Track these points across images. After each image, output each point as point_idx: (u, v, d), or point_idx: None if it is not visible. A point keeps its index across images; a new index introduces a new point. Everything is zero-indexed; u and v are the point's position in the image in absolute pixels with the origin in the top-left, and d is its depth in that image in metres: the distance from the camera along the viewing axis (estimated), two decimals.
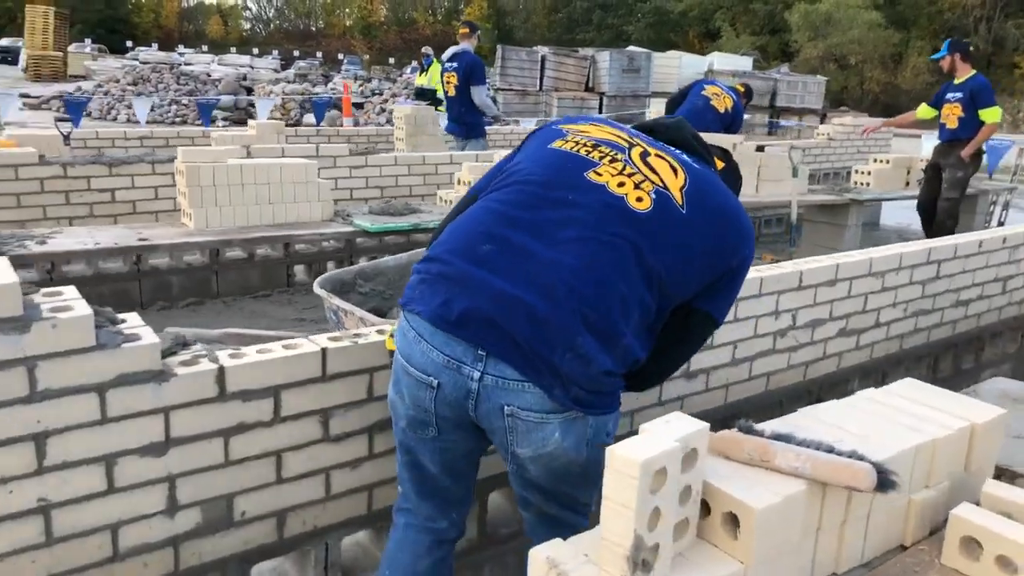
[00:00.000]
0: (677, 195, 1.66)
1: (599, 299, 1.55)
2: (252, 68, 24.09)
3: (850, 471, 1.37)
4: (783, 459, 1.41)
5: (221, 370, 1.72)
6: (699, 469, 1.35)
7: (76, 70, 24.17)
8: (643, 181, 1.66)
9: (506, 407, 1.56)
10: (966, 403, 1.80)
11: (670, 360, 1.79)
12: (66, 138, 5.81)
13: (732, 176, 2.00)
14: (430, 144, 7.49)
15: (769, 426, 1.59)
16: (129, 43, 27.58)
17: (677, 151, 1.76)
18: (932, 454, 1.61)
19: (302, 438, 1.87)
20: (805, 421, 1.67)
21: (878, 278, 3.30)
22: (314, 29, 56.12)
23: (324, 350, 1.86)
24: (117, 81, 19.09)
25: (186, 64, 22.62)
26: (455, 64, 6.94)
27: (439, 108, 8.03)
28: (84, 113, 9.67)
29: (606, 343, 1.55)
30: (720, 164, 1.98)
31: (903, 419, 1.69)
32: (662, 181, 1.66)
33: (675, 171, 1.71)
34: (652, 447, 1.25)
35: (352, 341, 1.91)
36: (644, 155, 1.71)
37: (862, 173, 7.26)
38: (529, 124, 8.88)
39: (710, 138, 5.63)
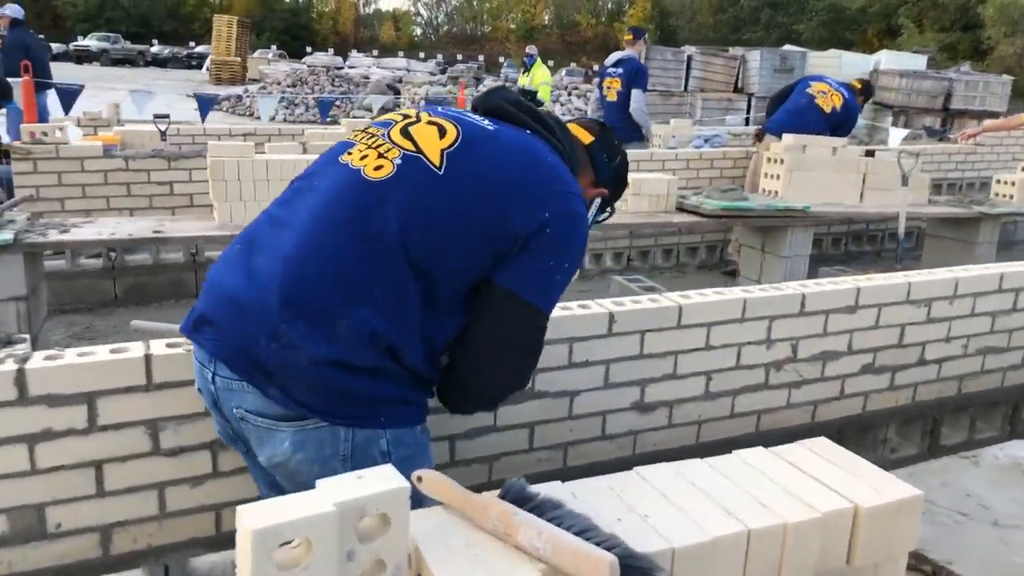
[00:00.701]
0: (434, 157, 1.47)
1: (311, 279, 1.38)
2: (408, 71, 24.94)
3: (589, 561, 1.06)
4: (525, 535, 1.12)
5: (21, 372, 1.63)
6: (397, 539, 1.08)
7: (253, 74, 26.09)
8: (390, 150, 1.48)
9: (235, 409, 1.43)
10: (876, 477, 1.40)
11: (475, 353, 1.50)
12: (163, 134, 6.16)
13: (605, 153, 1.76)
14: None
15: (551, 488, 1.29)
16: (309, 49, 29.39)
17: (475, 117, 1.58)
18: (781, 541, 1.25)
19: (126, 450, 1.76)
20: (623, 484, 1.35)
21: (920, 307, 2.76)
22: (479, 33, 57.54)
23: (148, 356, 1.74)
24: (279, 83, 20.40)
25: (349, 67, 23.82)
26: (619, 70, 6.80)
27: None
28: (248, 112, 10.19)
29: (321, 326, 1.36)
30: (587, 137, 1.76)
31: (764, 492, 1.33)
32: (416, 146, 1.48)
33: (443, 133, 1.51)
34: (290, 510, 1.01)
35: (186, 349, 1.78)
36: (409, 126, 1.53)
37: (1004, 184, 6.30)
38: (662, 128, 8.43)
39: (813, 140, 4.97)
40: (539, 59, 9.12)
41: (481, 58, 28.78)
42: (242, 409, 1.42)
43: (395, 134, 1.51)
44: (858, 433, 2.90)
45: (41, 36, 12.70)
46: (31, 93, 8.30)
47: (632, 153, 6.06)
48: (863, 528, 1.29)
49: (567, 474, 2.16)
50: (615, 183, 1.83)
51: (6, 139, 5.95)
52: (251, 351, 1.37)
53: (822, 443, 1.52)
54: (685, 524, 1.21)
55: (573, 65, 28.05)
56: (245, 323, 1.38)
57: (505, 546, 1.13)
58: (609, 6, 56.32)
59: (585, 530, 1.11)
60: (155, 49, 37.39)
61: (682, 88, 19.08)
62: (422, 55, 31.58)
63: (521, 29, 52.91)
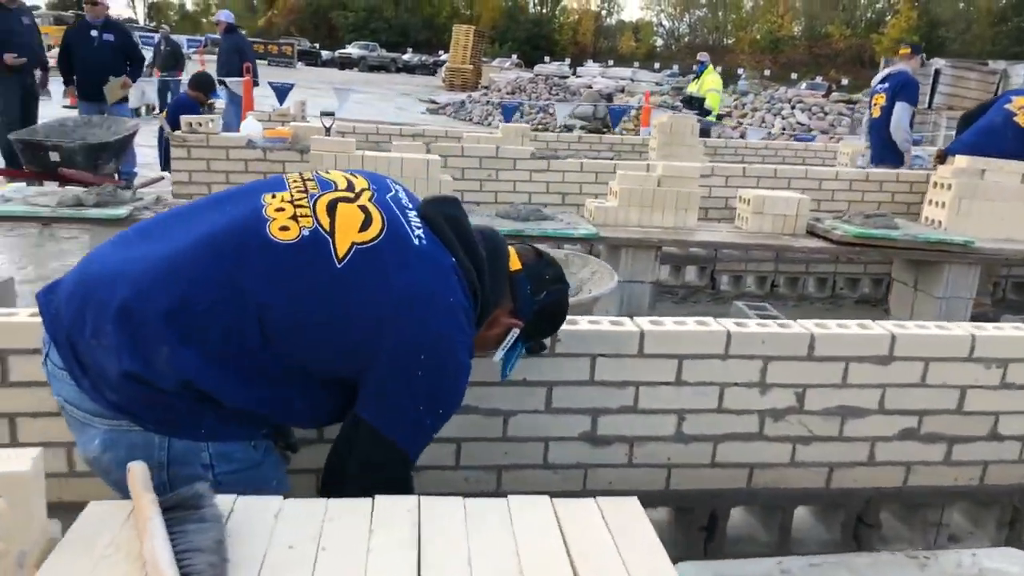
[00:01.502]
0: (342, 247, 1.40)
1: (159, 297, 1.34)
2: (632, 80, 24.83)
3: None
4: (146, 545, 1.05)
5: None
6: (19, 526, 1.06)
7: (485, 81, 27.42)
8: (305, 217, 1.43)
9: (57, 396, 1.45)
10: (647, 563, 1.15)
11: (330, 468, 1.49)
12: (327, 130, 6.63)
13: (530, 285, 1.66)
14: (687, 155, 6.95)
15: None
16: (546, 58, 30.28)
17: (414, 220, 1.53)
18: None
19: (36, 408, 1.90)
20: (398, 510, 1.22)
21: (993, 367, 2.23)
22: (722, 44, 55.85)
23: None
24: (499, 90, 21.26)
25: (575, 76, 24.24)
26: (886, 84, 6.44)
27: (708, 118, 7.44)
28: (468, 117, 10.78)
29: (143, 345, 1.33)
30: (516, 264, 1.66)
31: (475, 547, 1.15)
32: (331, 227, 1.42)
33: (366, 224, 1.45)
34: None
35: None
36: (339, 201, 1.47)
37: None
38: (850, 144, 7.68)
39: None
40: (710, 66, 8.66)
41: (719, 69, 27.93)
42: (61, 397, 1.43)
43: (320, 204, 1.47)
44: (904, 510, 2.42)
45: (257, 40, 14.23)
46: (250, 90, 9.38)
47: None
48: None
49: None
50: (539, 318, 1.70)
51: (167, 128, 6.67)
52: (75, 341, 1.37)
53: (627, 504, 1.27)
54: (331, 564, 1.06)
55: (818, 79, 26.26)
56: (83, 309, 1.37)
57: (137, 553, 1.07)
58: (869, 15, 52.25)
59: (192, 551, 1.01)
60: (406, 57, 40.51)
61: (926, 105, 17.18)
62: (657, 65, 31.30)
63: (766, 40, 50.60)
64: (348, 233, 1.43)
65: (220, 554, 1.01)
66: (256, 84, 9.27)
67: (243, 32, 10.83)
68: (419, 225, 1.53)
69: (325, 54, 41.44)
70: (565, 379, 2.08)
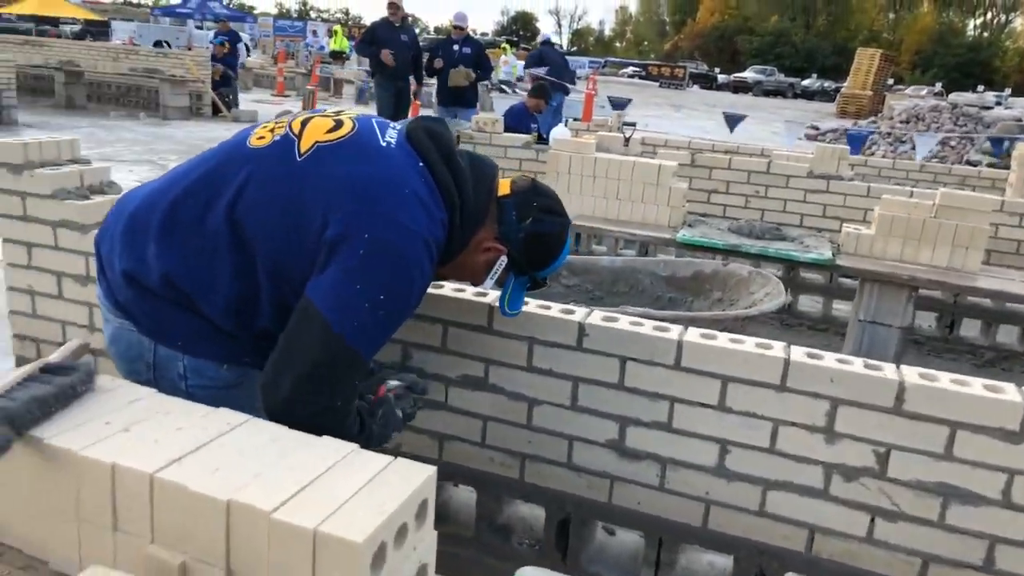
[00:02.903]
0: (305, 144, 1.55)
1: (157, 205, 1.58)
2: None
3: None
4: None
5: None
6: None
7: (887, 110, 24.99)
8: (280, 128, 1.61)
9: (97, 295, 1.76)
10: None
11: (275, 360, 1.45)
12: (626, 140, 6.81)
13: (515, 211, 1.65)
14: None
15: None
16: (981, 87, 26.68)
17: (388, 133, 1.60)
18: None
19: None
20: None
21: None
22: None
23: None
24: (890, 119, 19.19)
25: (1003, 108, 20.96)
26: None
27: None
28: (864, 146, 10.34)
29: (137, 247, 1.57)
30: (505, 189, 1.68)
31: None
32: (299, 132, 1.58)
33: (336, 127, 1.58)
34: None
35: None
36: (314, 116, 1.63)
37: None
38: None
39: None
40: None
41: None
42: (98, 295, 1.73)
43: (297, 120, 1.60)
44: None
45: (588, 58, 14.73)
46: (591, 102, 9.95)
47: None
48: None
49: (524, 489, 2.01)
50: (526, 247, 1.67)
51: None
52: (102, 248, 1.67)
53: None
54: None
55: None
56: (112, 220, 1.67)
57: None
58: None
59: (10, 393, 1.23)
60: (806, 82, 38.71)
61: None
62: None
63: None
64: (312, 135, 1.55)
65: (27, 406, 1.21)
66: (568, 92, 9.82)
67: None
68: (394, 136, 1.59)
69: (721, 78, 41.48)
70: (592, 377, 1.94)
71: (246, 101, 15.48)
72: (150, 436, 1.24)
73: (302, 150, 1.53)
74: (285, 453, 1.22)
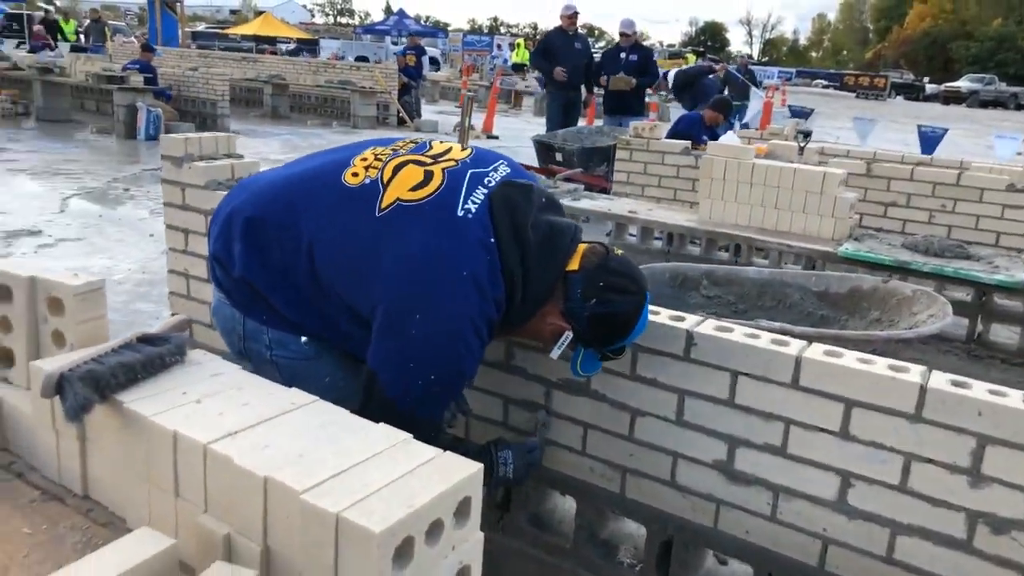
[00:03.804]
0: (388, 199, 1.59)
1: (251, 206, 1.69)
2: None
3: None
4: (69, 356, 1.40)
5: None
6: (71, 323, 1.52)
7: None
8: (374, 169, 1.65)
9: None
10: None
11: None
12: (801, 149, 6.41)
13: (581, 288, 1.60)
14: None
15: None
16: None
17: (479, 192, 1.59)
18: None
19: None
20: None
21: None
22: None
23: None
24: None
25: None
26: None
27: None
28: None
29: (229, 237, 1.67)
30: (574, 264, 1.63)
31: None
32: (387, 181, 1.61)
33: (424, 183, 1.60)
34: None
35: None
36: (410, 162, 1.65)
37: None
38: None
39: None
40: None
41: None
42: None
43: (394, 162, 1.63)
44: None
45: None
46: (769, 110, 9.45)
47: None
48: None
49: (625, 504, 1.92)
50: (590, 327, 1.62)
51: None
52: (213, 232, 1.76)
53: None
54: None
55: None
56: (225, 206, 1.75)
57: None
58: None
59: (98, 361, 1.30)
60: None
61: None
62: None
63: None
64: (398, 189, 1.58)
65: (113, 370, 1.29)
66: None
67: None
68: (478, 201, 1.58)
69: (930, 88, 38.15)
70: (699, 391, 1.79)
71: (430, 112, 16.22)
72: (217, 409, 1.27)
73: (383, 205, 1.56)
74: (336, 437, 1.21)
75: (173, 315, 2.56)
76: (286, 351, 1.68)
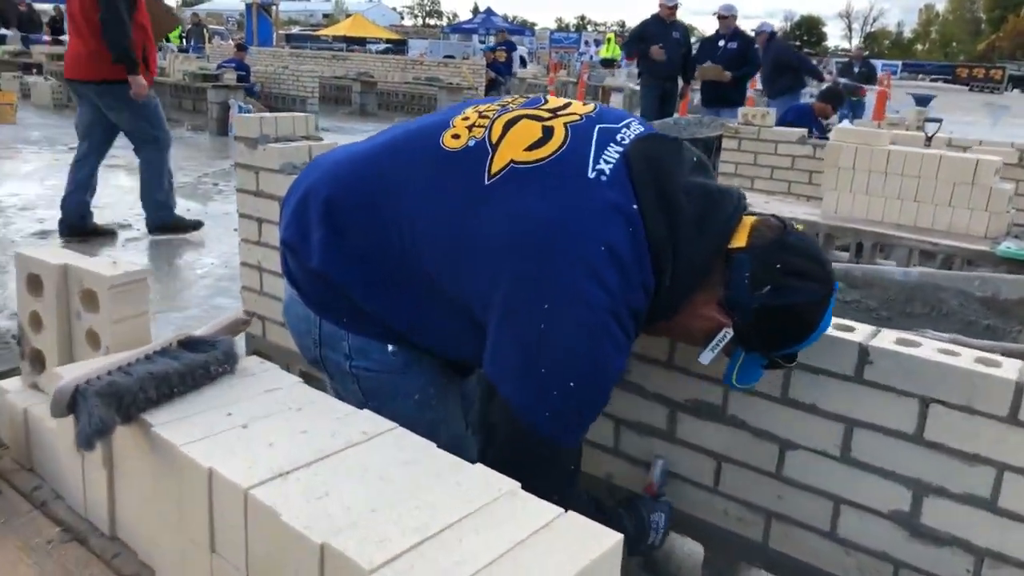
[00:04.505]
0: (500, 162, 1.25)
1: (328, 185, 1.38)
2: None
3: None
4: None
5: None
6: (105, 321, 1.27)
7: None
8: (480, 127, 1.32)
9: None
10: None
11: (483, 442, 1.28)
12: (928, 139, 5.83)
13: (749, 271, 1.22)
14: None
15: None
16: None
17: (612, 149, 1.24)
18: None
19: None
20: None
21: None
22: None
23: None
24: None
25: None
26: None
27: None
28: None
29: (305, 222, 1.37)
30: (741, 240, 1.25)
31: None
32: (498, 140, 1.28)
33: (538, 146, 1.25)
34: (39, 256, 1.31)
35: None
36: (524, 117, 1.31)
37: None
38: None
39: None
40: None
41: None
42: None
43: (504, 118, 1.31)
44: None
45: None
46: (883, 100, 8.76)
47: None
48: None
49: (769, 557, 1.56)
50: (758, 323, 1.23)
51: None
52: (287, 210, 1.46)
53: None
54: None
55: None
56: (297, 189, 1.45)
57: None
58: None
59: (124, 372, 1.03)
60: None
61: None
62: None
63: None
64: (512, 149, 1.25)
65: (141, 383, 1.01)
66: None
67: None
68: (612, 160, 1.23)
69: None
70: (874, 422, 1.41)
71: None
72: (266, 437, 0.98)
73: (493, 169, 1.23)
74: (419, 484, 0.90)
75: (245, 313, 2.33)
76: (369, 361, 1.37)
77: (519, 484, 1.04)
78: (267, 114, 2.41)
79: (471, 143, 1.28)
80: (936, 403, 1.34)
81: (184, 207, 6.38)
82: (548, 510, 0.86)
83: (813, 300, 1.23)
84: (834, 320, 1.49)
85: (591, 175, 1.21)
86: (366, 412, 1.07)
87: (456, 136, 1.31)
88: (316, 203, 1.35)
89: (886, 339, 1.41)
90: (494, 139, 1.27)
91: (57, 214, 5.07)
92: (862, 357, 1.40)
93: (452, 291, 1.26)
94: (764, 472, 1.56)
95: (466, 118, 1.34)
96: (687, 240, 1.21)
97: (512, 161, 1.23)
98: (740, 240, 1.24)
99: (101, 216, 5.84)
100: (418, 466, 0.93)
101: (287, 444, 0.96)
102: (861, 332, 1.43)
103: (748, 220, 1.27)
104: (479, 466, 0.95)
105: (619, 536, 0.82)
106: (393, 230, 1.28)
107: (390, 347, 1.37)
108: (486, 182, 1.22)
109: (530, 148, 1.24)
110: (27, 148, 8.85)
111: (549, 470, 1.21)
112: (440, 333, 1.34)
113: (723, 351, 1.31)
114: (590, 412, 1.27)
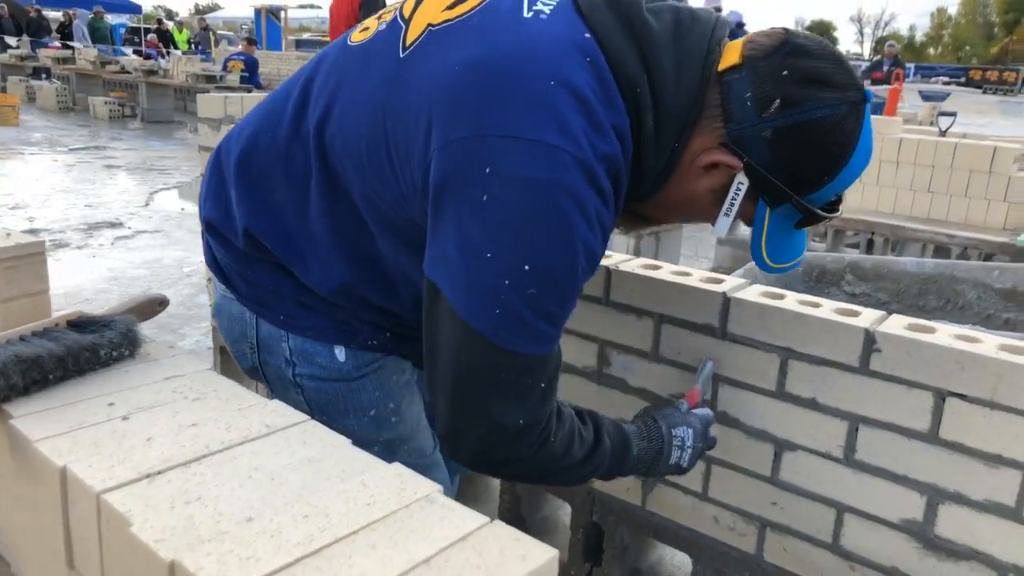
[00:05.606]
0: (414, 32, 1.03)
1: (242, 139, 1.17)
2: None
3: None
4: None
5: None
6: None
7: None
8: (383, 15, 1.13)
9: None
10: None
11: (429, 377, 0.97)
12: (942, 132, 5.67)
13: (751, 90, 0.95)
14: None
15: None
16: None
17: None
18: None
19: None
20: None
21: None
22: None
23: None
24: None
25: None
26: None
27: None
28: None
29: (223, 189, 1.18)
30: (733, 57, 0.98)
31: None
32: (411, 14, 1.06)
33: (455, 3, 1.03)
34: None
35: None
36: None
37: None
38: None
39: None
40: None
41: None
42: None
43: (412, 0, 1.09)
44: None
45: None
46: (895, 97, 8.55)
47: None
48: None
49: (763, 570, 1.39)
50: (775, 154, 0.96)
51: None
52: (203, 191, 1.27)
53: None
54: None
55: None
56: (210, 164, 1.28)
57: None
58: None
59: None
60: None
61: None
62: None
63: None
64: (426, 16, 1.02)
65: (3, 367, 0.85)
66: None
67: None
68: (550, 2, 0.99)
69: None
70: (883, 419, 1.23)
71: None
72: (147, 431, 0.82)
73: (408, 41, 1.00)
74: (316, 487, 0.73)
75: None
76: (313, 367, 1.15)
77: (479, 420, 0.89)
78: (229, 95, 2.26)
79: (381, 27, 1.07)
80: (954, 396, 1.16)
81: (179, 206, 6.28)
82: (470, 519, 0.69)
83: (838, 110, 0.95)
84: (833, 303, 1.32)
85: (527, 15, 0.96)
86: (275, 403, 0.90)
87: (365, 29, 1.11)
88: (228, 164, 1.16)
89: (896, 324, 1.24)
90: (406, 15, 1.05)
91: (49, 213, 4.96)
92: (868, 344, 1.22)
93: (384, 202, 1.02)
94: (758, 476, 1.38)
95: (379, 15, 1.14)
96: (663, 64, 0.95)
97: (429, 24, 1.00)
98: (732, 58, 0.98)
99: (95, 214, 5.74)
100: (320, 465, 0.77)
101: (169, 439, 0.80)
102: (867, 316, 1.26)
103: (737, 40, 1.02)
104: (396, 465, 0.78)
105: (553, 552, 0.65)
106: (309, 153, 1.06)
107: (337, 350, 1.15)
108: (400, 56, 1.00)
109: (448, 8, 1.01)
110: (27, 149, 8.79)
111: (512, 387, 0.92)
112: (384, 276, 1.10)
113: (742, 216, 1.04)
114: (557, 306, 0.93)
